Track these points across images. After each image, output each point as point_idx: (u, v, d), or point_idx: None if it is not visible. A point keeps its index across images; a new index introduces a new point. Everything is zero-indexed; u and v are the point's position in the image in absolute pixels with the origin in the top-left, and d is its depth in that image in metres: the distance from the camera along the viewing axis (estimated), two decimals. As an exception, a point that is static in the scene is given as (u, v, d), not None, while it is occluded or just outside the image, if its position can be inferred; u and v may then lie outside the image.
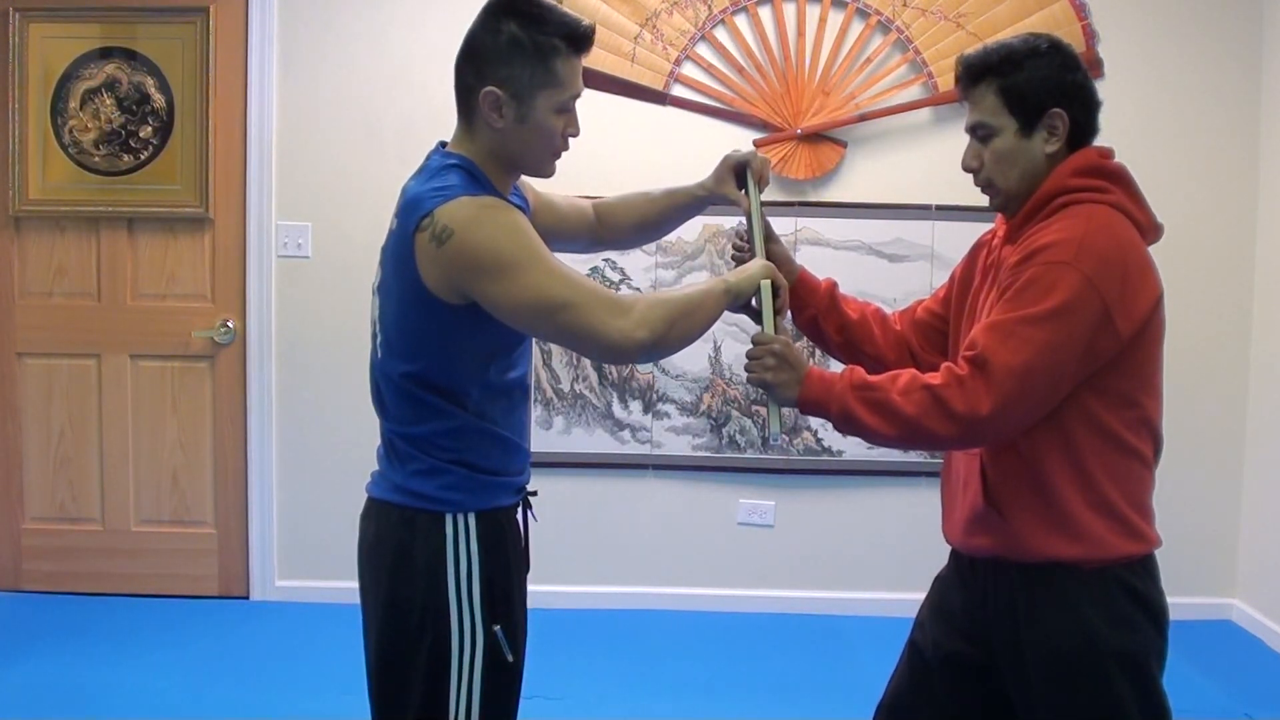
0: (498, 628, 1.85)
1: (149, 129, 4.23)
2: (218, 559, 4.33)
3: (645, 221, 2.23)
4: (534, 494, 2.03)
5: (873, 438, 1.86)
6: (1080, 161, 1.88)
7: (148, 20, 4.22)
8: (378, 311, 1.88)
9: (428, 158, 1.91)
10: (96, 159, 4.24)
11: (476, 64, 1.81)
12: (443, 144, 1.93)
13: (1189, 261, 4.10)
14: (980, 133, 1.91)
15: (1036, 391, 1.78)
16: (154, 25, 4.22)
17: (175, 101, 4.22)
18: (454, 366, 1.82)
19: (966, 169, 1.95)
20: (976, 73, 1.90)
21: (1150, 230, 1.90)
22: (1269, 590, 4.16)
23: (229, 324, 4.26)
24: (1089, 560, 1.84)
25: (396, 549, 1.86)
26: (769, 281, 1.93)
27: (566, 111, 1.85)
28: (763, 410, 4.27)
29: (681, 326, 1.83)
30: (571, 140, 1.90)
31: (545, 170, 1.90)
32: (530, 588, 4.64)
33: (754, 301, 1.96)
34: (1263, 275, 4.23)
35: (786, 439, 4.28)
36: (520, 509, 2.00)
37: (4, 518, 4.35)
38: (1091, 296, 1.76)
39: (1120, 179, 1.88)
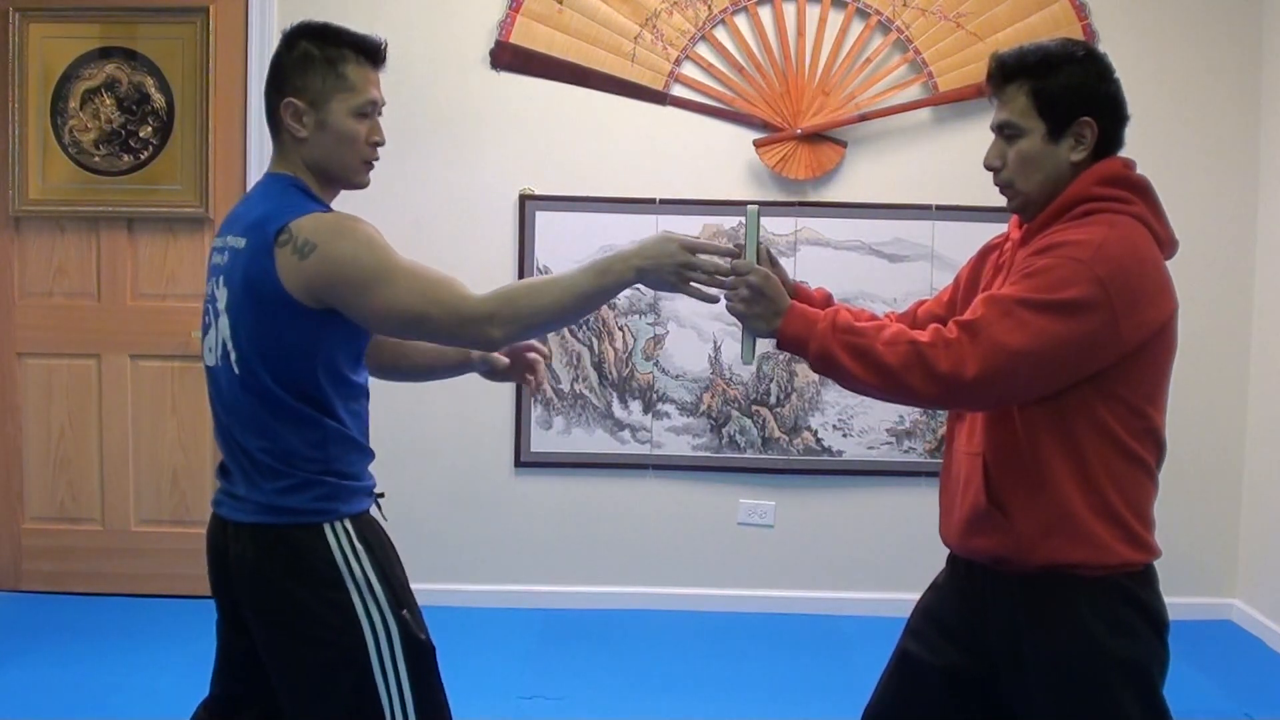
0: (404, 612, 1.93)
1: (149, 129, 4.23)
2: (218, 559, 4.33)
3: (419, 365, 2.25)
4: (382, 495, 2.08)
5: (849, 382, 1.84)
6: (1105, 171, 1.87)
7: (148, 20, 4.21)
8: (229, 331, 1.91)
9: (257, 184, 2.00)
10: (96, 159, 4.24)
11: (276, 82, 1.96)
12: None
13: (1189, 262, 4.08)
14: (1007, 132, 1.89)
15: (1022, 374, 1.77)
16: (154, 25, 4.22)
17: (175, 101, 4.22)
18: (319, 372, 1.90)
19: (988, 167, 1.93)
20: (1010, 72, 1.88)
21: (1168, 245, 1.90)
22: (1269, 590, 4.16)
23: (229, 324, 4.25)
24: (1091, 565, 1.83)
25: (286, 569, 1.89)
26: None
27: (365, 117, 1.96)
28: (763, 410, 4.28)
29: (549, 319, 1.91)
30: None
31: (358, 178, 2.00)
32: (530, 588, 4.68)
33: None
34: (1263, 275, 4.23)
35: (787, 437, 4.28)
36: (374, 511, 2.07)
37: (4, 518, 4.35)
38: (1101, 300, 1.75)
39: (1144, 191, 1.88)
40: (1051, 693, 1.85)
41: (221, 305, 1.92)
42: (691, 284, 1.89)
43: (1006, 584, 1.90)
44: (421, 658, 1.93)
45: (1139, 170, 1.91)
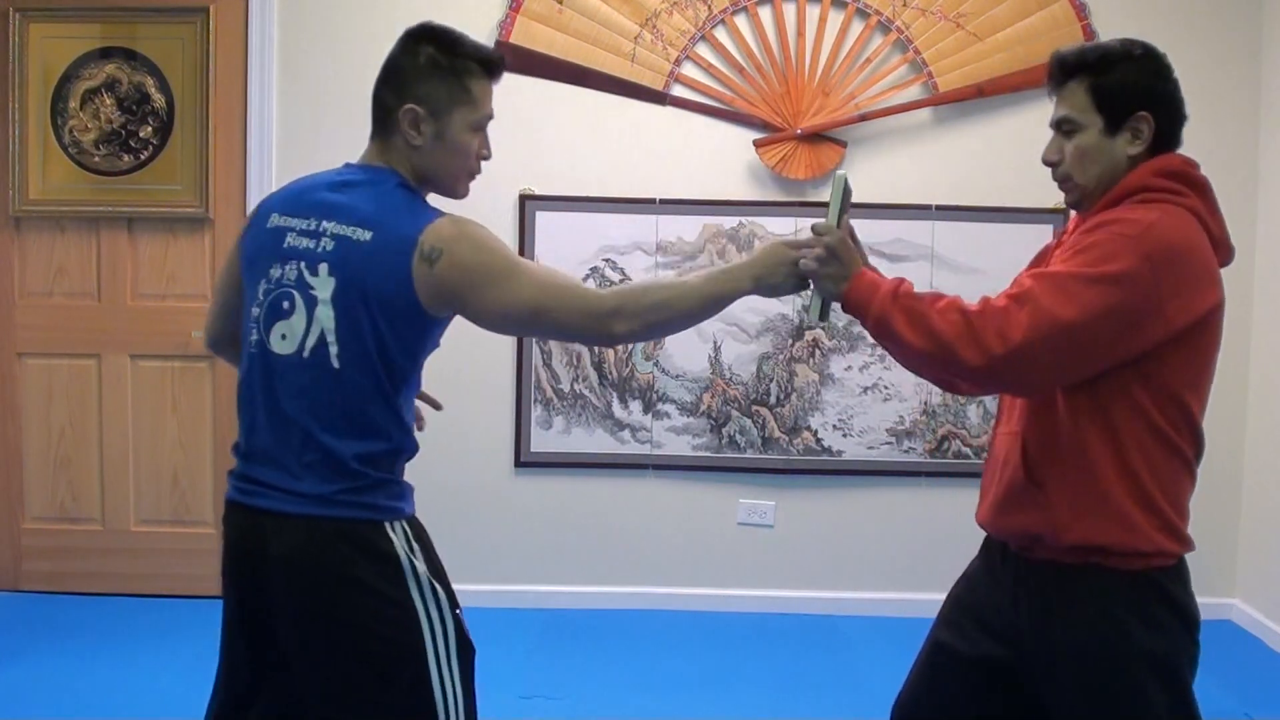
0: (458, 611, 1.93)
1: (149, 129, 4.23)
2: (218, 559, 4.30)
3: None
4: None
5: (903, 348, 1.87)
6: (1164, 164, 1.90)
7: (148, 20, 4.22)
8: (332, 323, 1.85)
9: (362, 173, 1.95)
10: (96, 159, 4.24)
11: (395, 85, 1.93)
12: (349, 164, 2.00)
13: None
14: (1065, 128, 1.94)
15: (1070, 347, 1.78)
16: (154, 25, 4.22)
17: (175, 101, 4.22)
18: (410, 378, 1.91)
19: (1046, 162, 1.97)
20: (1071, 69, 1.93)
21: (1222, 247, 1.91)
22: (1269, 590, 4.16)
23: (229, 324, 4.25)
24: (1124, 549, 1.84)
25: (349, 563, 1.85)
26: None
27: (480, 130, 1.97)
28: (763, 410, 4.28)
29: (670, 318, 1.93)
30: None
31: (458, 190, 2.00)
32: (530, 588, 4.68)
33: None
34: (1263, 275, 4.23)
35: (787, 437, 4.28)
36: None
37: (4, 518, 4.35)
38: (1147, 276, 1.77)
39: (1201, 189, 1.91)
40: (1081, 682, 1.86)
41: (324, 294, 1.85)
42: (807, 266, 1.95)
43: (1039, 571, 1.91)
44: (469, 658, 1.95)
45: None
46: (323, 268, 1.86)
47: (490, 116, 1.98)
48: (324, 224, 1.88)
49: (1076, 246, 1.84)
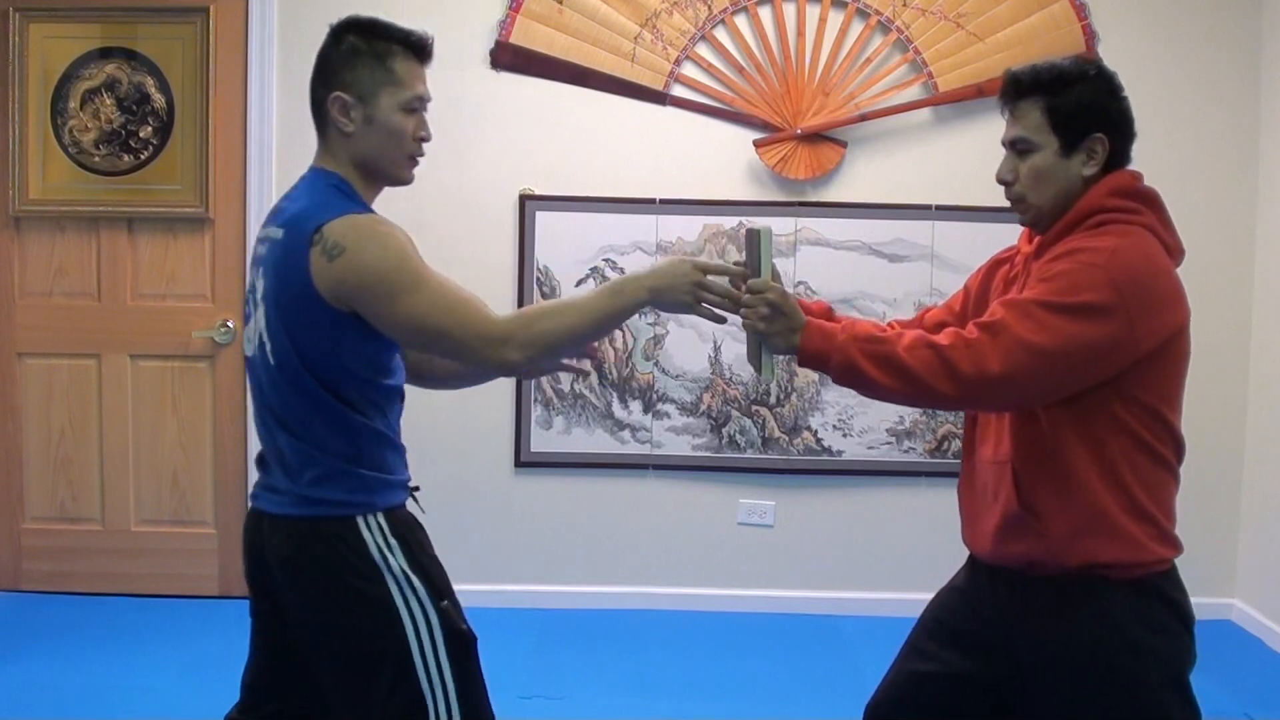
0: (444, 602, 1.93)
1: (149, 129, 4.23)
2: (218, 559, 4.33)
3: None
4: (417, 489, 2.08)
5: (874, 390, 1.87)
6: (1116, 183, 1.90)
7: (148, 20, 4.22)
8: (264, 322, 1.92)
9: (301, 177, 2.00)
10: (96, 159, 4.24)
11: (323, 76, 1.96)
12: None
13: (1188, 263, 4.06)
14: (1019, 147, 1.93)
15: (1042, 373, 1.79)
16: (154, 25, 4.22)
17: (175, 101, 4.22)
18: (346, 372, 1.90)
19: (1000, 181, 1.97)
20: (1024, 88, 1.92)
21: (1176, 253, 1.95)
22: (1269, 590, 4.16)
23: (229, 324, 4.25)
24: (1125, 564, 1.85)
25: (322, 563, 1.89)
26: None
27: (413, 112, 1.97)
28: (763, 410, 4.28)
29: (567, 342, 1.92)
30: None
31: (403, 175, 2.00)
32: (530, 588, 4.68)
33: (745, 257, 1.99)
34: (1262, 277, 4.23)
35: (787, 437, 4.28)
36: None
37: (4, 518, 4.35)
38: (1116, 304, 1.78)
39: (1153, 203, 1.92)
40: (1085, 690, 1.86)
41: (260, 296, 1.93)
42: (704, 305, 1.93)
43: (1039, 587, 1.91)
44: (463, 648, 1.94)
45: (1145, 179, 1.94)
46: (261, 270, 1.94)
47: (421, 97, 1.97)
48: (268, 229, 1.96)
49: (1042, 275, 1.85)
